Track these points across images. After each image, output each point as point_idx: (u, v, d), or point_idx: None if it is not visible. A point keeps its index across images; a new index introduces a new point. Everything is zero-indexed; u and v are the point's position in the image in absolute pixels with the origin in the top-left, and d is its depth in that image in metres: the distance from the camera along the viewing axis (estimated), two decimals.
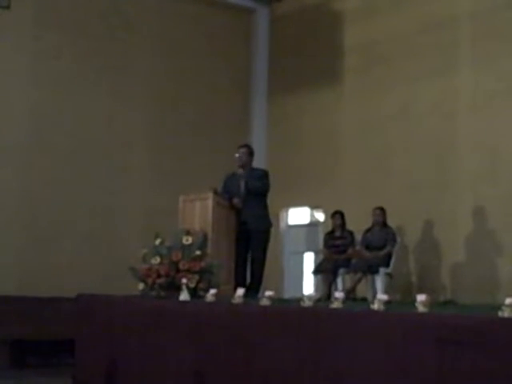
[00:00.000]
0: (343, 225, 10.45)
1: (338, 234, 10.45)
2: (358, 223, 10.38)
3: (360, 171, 11.46)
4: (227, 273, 7.84)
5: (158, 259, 6.89)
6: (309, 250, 12.78)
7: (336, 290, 9.79)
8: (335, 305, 4.69)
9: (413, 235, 10.51)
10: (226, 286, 7.41)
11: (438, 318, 3.76)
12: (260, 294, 7.58)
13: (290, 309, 4.99)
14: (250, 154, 8.84)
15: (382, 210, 10.09)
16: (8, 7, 11.25)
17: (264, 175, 8.77)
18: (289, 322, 4.66)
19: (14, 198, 11.13)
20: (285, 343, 4.61)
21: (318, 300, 6.79)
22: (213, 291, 6.24)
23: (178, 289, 6.59)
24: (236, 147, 8.91)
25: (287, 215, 13.10)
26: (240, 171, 8.70)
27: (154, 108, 12.44)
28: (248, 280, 8.57)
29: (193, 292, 6.61)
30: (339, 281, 10.16)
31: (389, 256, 9.90)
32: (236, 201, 8.34)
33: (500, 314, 3.59)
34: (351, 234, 10.36)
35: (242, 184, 8.57)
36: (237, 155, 8.74)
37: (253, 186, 8.53)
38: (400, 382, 3.69)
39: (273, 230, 8.95)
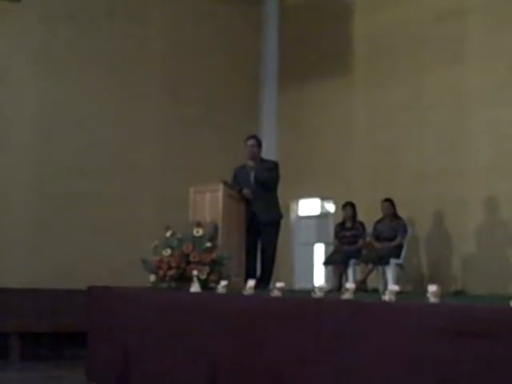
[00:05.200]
0: (354, 216, 10.45)
1: (348, 225, 10.46)
2: (369, 214, 10.38)
3: (370, 162, 11.44)
4: (238, 264, 7.84)
5: (168, 251, 6.90)
6: (319, 241, 12.79)
7: (347, 281, 9.81)
8: (346, 296, 4.69)
9: (423, 226, 10.49)
10: (237, 278, 7.42)
11: (450, 308, 3.76)
12: (271, 286, 7.60)
13: (301, 300, 4.99)
14: (259, 145, 8.84)
15: (390, 201, 10.07)
16: (18, 1, 11.27)
17: (274, 167, 8.77)
18: (300, 313, 4.67)
19: (26, 192, 11.19)
20: (296, 334, 4.62)
21: (329, 291, 6.80)
22: (223, 283, 6.25)
23: (189, 280, 6.61)
24: (245, 138, 8.92)
25: (297, 206, 13.09)
26: (250, 163, 8.70)
27: (165, 101, 12.44)
28: (258, 271, 8.59)
29: (204, 284, 6.63)
30: (350, 272, 10.17)
31: (400, 247, 9.90)
32: (246, 192, 8.34)
33: None
34: (362, 225, 10.36)
35: (252, 176, 8.58)
36: (249, 143, 8.73)
37: (263, 177, 8.53)
38: (412, 372, 3.70)
39: (283, 221, 8.95)
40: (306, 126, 12.70)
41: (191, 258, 6.79)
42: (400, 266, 9.85)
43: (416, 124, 10.82)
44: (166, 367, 6.21)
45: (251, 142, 8.78)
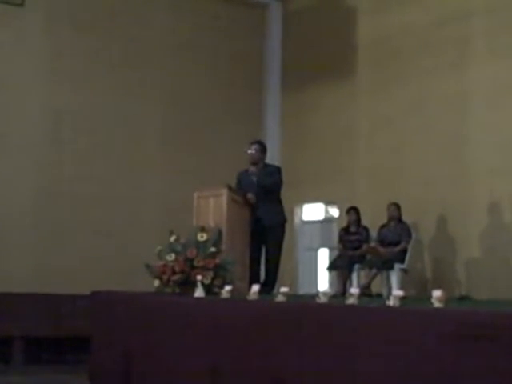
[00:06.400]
0: (358, 221, 10.44)
1: (352, 229, 10.44)
2: (373, 219, 10.37)
3: (374, 166, 11.43)
4: (242, 269, 7.83)
5: (172, 256, 6.89)
6: (323, 246, 12.77)
7: (351, 286, 9.79)
8: (350, 301, 4.68)
9: (427, 230, 10.48)
10: (241, 283, 7.41)
11: (455, 313, 3.74)
12: (275, 291, 7.59)
13: (306, 305, 4.98)
14: (262, 150, 8.79)
15: (397, 205, 10.07)
16: (22, 4, 11.30)
17: (276, 171, 8.74)
18: (304, 319, 4.65)
19: (30, 195, 11.20)
20: (300, 339, 4.61)
21: (333, 296, 6.79)
22: (228, 288, 6.24)
23: (193, 285, 6.60)
24: (249, 143, 8.90)
25: (301, 211, 13.09)
26: (252, 168, 8.67)
27: (168, 104, 12.45)
28: (263, 276, 8.58)
29: (208, 289, 6.61)
30: (354, 277, 10.15)
31: (404, 252, 9.88)
32: (250, 196, 8.32)
33: None
34: (366, 229, 10.35)
35: (255, 181, 8.55)
36: (248, 152, 8.73)
37: (265, 182, 8.51)
38: (416, 378, 3.68)
39: (287, 225, 8.93)
40: (310, 130, 12.70)
41: (195, 263, 6.78)
42: (404, 270, 9.83)
43: (419, 128, 10.80)
44: (168, 372, 6.20)
45: (253, 147, 8.75)
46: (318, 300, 4.93)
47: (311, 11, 13.06)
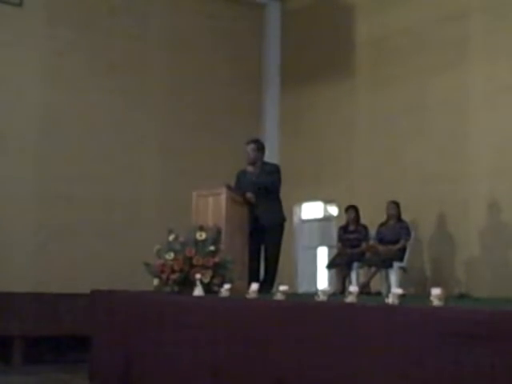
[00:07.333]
0: (357, 219, 10.45)
1: (351, 228, 10.45)
2: (372, 217, 10.37)
3: (373, 165, 11.43)
4: (241, 268, 7.83)
5: (171, 255, 6.89)
6: (322, 244, 12.77)
7: (350, 284, 9.80)
8: (349, 299, 4.68)
9: (427, 229, 10.49)
10: (240, 281, 7.41)
11: (455, 312, 3.75)
12: (274, 289, 7.59)
13: (305, 303, 4.98)
14: (259, 149, 8.76)
15: (396, 203, 10.09)
16: (20, 4, 11.29)
17: (275, 170, 8.73)
18: (303, 317, 4.65)
19: (29, 195, 11.17)
20: (300, 338, 4.61)
21: (333, 294, 6.79)
22: (227, 286, 6.25)
23: (192, 284, 6.60)
24: (246, 142, 8.89)
25: (300, 210, 13.08)
26: (249, 168, 8.67)
27: (167, 104, 12.44)
28: (262, 275, 8.58)
29: (207, 287, 6.62)
30: (353, 275, 10.16)
31: (403, 250, 9.89)
32: (249, 195, 8.32)
33: None
34: (365, 228, 10.36)
35: (253, 180, 8.54)
36: (247, 147, 8.72)
37: (263, 181, 8.50)
38: (416, 376, 3.68)
39: (286, 224, 8.93)
40: (309, 130, 12.70)
41: (194, 262, 6.78)
42: (403, 269, 9.84)
43: (418, 127, 10.81)
44: (168, 371, 6.20)
45: (250, 146, 8.74)
46: (317, 298, 4.94)
47: (310, 10, 13.06)
